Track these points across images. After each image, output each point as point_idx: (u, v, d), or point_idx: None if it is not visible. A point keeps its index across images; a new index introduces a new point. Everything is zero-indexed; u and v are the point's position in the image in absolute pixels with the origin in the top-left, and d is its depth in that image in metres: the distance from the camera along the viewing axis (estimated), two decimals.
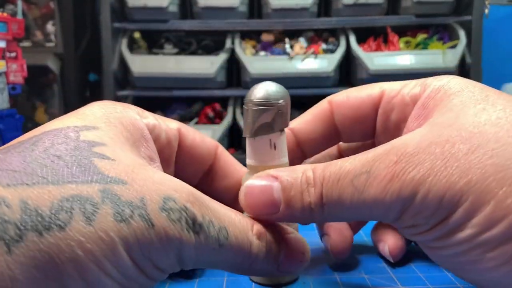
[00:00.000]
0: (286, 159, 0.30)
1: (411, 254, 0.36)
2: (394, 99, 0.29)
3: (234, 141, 0.82)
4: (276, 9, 0.80)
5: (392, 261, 0.32)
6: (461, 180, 0.21)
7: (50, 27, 0.87)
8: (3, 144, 0.51)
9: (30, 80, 0.62)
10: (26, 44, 0.86)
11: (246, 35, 0.86)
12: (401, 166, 0.22)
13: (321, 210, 0.25)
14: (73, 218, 0.18)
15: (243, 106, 0.29)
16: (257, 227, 0.25)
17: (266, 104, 0.29)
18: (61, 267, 0.18)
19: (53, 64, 0.86)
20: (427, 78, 0.27)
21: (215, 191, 0.32)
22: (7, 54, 0.55)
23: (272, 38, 0.84)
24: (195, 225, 0.22)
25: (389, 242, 0.32)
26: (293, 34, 0.85)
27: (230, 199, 0.29)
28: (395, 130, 0.28)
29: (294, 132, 0.31)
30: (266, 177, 0.26)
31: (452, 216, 0.21)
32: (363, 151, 0.32)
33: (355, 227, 0.34)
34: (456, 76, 0.25)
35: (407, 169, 0.22)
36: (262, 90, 0.29)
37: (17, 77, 0.56)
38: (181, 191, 0.22)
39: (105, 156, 0.21)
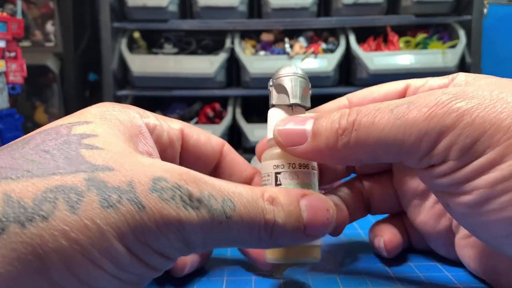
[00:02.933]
0: None
1: (411, 253, 0.36)
2: (421, 88, 0.28)
3: (234, 141, 0.82)
4: (276, 8, 0.80)
5: (386, 256, 0.32)
6: (509, 118, 0.20)
7: (49, 27, 0.87)
8: (3, 143, 0.51)
9: (29, 80, 0.62)
10: (25, 44, 0.86)
11: (246, 34, 0.86)
12: (448, 97, 0.22)
13: (348, 137, 0.23)
14: (57, 207, 0.18)
15: (279, 79, 0.29)
16: (269, 193, 0.23)
17: (307, 78, 0.30)
18: (45, 259, 0.17)
19: (52, 64, 0.85)
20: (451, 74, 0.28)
21: None
22: (7, 54, 0.55)
23: (272, 38, 0.84)
24: (192, 201, 0.20)
25: (385, 237, 0.32)
26: (293, 34, 0.85)
27: None
28: None
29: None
30: (304, 117, 0.26)
31: (487, 152, 0.21)
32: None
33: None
34: None
35: (454, 100, 0.21)
36: (299, 68, 0.30)
37: (17, 77, 0.56)
38: (172, 171, 0.21)
39: (93, 146, 0.21)
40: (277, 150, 0.28)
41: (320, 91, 0.79)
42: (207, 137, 0.31)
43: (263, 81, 0.74)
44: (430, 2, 0.79)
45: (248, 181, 0.32)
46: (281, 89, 0.29)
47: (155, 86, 0.81)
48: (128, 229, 0.19)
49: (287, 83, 0.29)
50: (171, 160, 0.29)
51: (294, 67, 0.29)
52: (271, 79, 0.30)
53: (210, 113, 0.81)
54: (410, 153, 0.23)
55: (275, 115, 0.29)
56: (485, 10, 0.78)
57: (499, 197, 0.20)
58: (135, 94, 0.82)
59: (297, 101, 0.28)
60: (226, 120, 0.79)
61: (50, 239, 0.17)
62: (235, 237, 0.22)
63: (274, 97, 0.29)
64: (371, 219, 0.46)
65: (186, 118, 0.82)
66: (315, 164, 0.28)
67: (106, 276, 0.18)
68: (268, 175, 0.27)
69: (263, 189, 0.23)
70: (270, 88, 0.30)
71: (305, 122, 0.26)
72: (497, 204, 0.20)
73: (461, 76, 0.27)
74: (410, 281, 0.30)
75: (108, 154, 0.21)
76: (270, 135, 0.29)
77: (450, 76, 0.28)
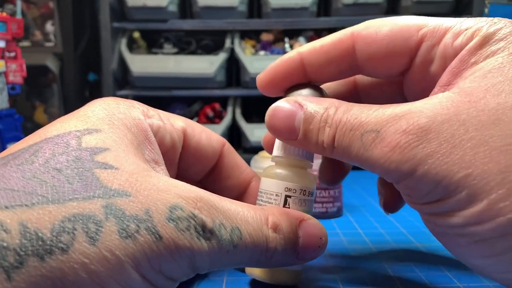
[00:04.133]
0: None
1: (411, 253, 0.36)
2: (434, 48, 0.25)
3: (233, 141, 0.82)
4: (276, 8, 0.80)
5: (386, 213, 0.33)
6: (462, 171, 0.20)
7: (49, 27, 0.87)
8: (2, 144, 0.51)
9: (29, 80, 0.62)
10: (25, 44, 0.86)
11: (245, 34, 0.86)
12: (408, 138, 0.21)
13: (331, 151, 0.25)
14: (76, 239, 0.17)
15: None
16: (272, 218, 0.24)
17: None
18: None
19: (52, 64, 0.85)
20: (481, 19, 0.23)
21: (218, 189, 0.32)
22: (7, 54, 0.55)
23: (272, 38, 0.84)
24: (205, 232, 0.21)
25: (385, 196, 0.33)
26: (293, 34, 0.85)
27: (233, 198, 0.29)
28: (429, 82, 0.25)
29: (302, 56, 0.28)
30: (294, 102, 0.25)
31: (444, 202, 0.21)
32: (386, 89, 0.31)
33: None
34: None
35: (412, 143, 0.21)
36: (307, 93, 0.29)
37: (17, 77, 0.55)
38: (187, 197, 0.21)
39: (107, 165, 0.20)
40: (289, 172, 0.27)
41: None
42: (208, 136, 0.31)
43: None
44: (430, 2, 0.79)
45: (246, 184, 0.32)
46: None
47: (155, 86, 0.81)
48: (145, 259, 0.19)
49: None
50: (171, 160, 0.29)
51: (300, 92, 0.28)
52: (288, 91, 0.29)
53: (210, 113, 0.81)
54: (381, 176, 0.24)
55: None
56: (486, 10, 0.78)
57: (462, 238, 0.21)
58: (135, 94, 0.82)
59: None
60: (226, 120, 0.79)
61: (70, 272, 0.17)
62: (238, 262, 0.23)
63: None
64: (370, 219, 0.46)
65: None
66: (315, 191, 0.28)
67: None
68: (277, 195, 0.27)
69: (267, 213, 0.24)
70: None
71: (294, 117, 0.25)
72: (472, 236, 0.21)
73: (486, 31, 0.22)
74: (411, 281, 0.30)
75: (123, 176, 0.20)
76: (275, 152, 0.28)
77: (474, 30, 0.23)
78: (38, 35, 0.87)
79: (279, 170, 0.28)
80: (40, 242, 0.17)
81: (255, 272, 0.28)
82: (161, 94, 0.81)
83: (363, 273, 0.32)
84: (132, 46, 0.84)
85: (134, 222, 0.19)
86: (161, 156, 0.26)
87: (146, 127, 0.25)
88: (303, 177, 0.27)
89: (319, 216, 0.46)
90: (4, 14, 0.53)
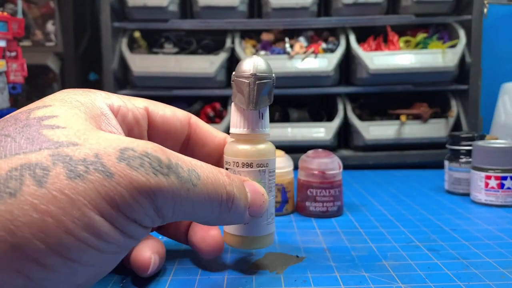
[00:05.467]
0: (269, 128, 0.32)
1: (411, 252, 0.36)
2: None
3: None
4: (276, 8, 0.80)
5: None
6: None
7: (50, 26, 0.87)
8: None
9: (30, 79, 0.62)
10: (26, 43, 0.86)
11: (246, 34, 0.86)
12: None
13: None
14: (24, 183, 0.18)
15: (237, 79, 0.30)
16: (226, 171, 0.26)
17: (268, 77, 0.31)
18: (18, 233, 0.17)
19: (53, 64, 0.86)
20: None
21: (199, 158, 0.33)
22: (8, 54, 0.55)
23: (272, 38, 0.84)
24: (162, 167, 0.21)
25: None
26: (293, 34, 0.85)
27: (212, 163, 0.30)
28: None
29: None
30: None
31: None
32: None
33: None
34: None
35: None
36: (261, 64, 0.31)
37: (18, 77, 0.56)
38: (138, 142, 0.21)
39: (55, 125, 0.21)
40: (228, 146, 0.31)
41: (320, 90, 0.79)
42: (172, 111, 0.32)
43: None
44: (430, 1, 0.80)
45: (222, 146, 0.34)
46: (240, 90, 0.30)
47: (155, 85, 0.81)
48: (100, 197, 0.19)
49: (245, 88, 0.30)
50: (140, 138, 0.29)
51: (254, 63, 0.30)
52: (234, 72, 0.31)
53: (210, 112, 0.82)
54: None
55: (234, 114, 0.31)
56: (485, 10, 0.79)
57: None
58: (136, 93, 0.82)
59: (252, 107, 0.30)
60: (227, 120, 0.79)
61: (20, 213, 0.17)
62: (201, 207, 0.23)
63: (234, 94, 0.31)
64: (371, 218, 0.46)
65: None
66: (265, 163, 0.31)
67: (82, 246, 0.18)
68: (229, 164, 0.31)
69: (219, 168, 0.26)
70: (232, 83, 0.31)
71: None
72: None
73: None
74: (411, 279, 0.30)
75: (70, 131, 0.21)
76: (231, 129, 0.32)
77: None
78: (39, 34, 0.87)
79: (232, 146, 0.31)
80: None
81: (233, 243, 0.32)
82: (161, 94, 0.81)
83: (364, 272, 0.32)
84: (132, 45, 0.85)
85: (82, 164, 0.19)
86: (121, 130, 0.27)
87: (101, 105, 0.26)
88: (237, 151, 0.31)
89: (320, 215, 0.46)
90: (5, 13, 0.53)
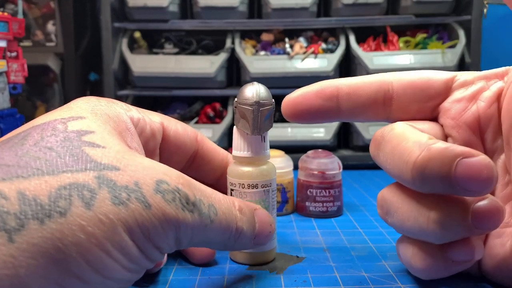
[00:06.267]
0: (269, 151, 0.34)
1: None
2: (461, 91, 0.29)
3: None
4: (276, 8, 0.80)
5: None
6: None
7: (50, 26, 0.87)
8: None
9: (30, 79, 0.62)
10: (26, 43, 0.86)
11: (246, 34, 0.86)
12: None
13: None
14: (73, 204, 0.19)
15: (240, 106, 0.32)
16: (238, 202, 0.27)
17: (269, 103, 0.33)
18: (65, 251, 0.18)
19: (53, 64, 0.86)
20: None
21: (200, 175, 0.35)
22: (8, 54, 0.55)
23: (272, 38, 0.84)
24: (189, 204, 0.23)
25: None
26: (293, 34, 0.85)
27: (215, 179, 0.34)
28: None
29: (339, 83, 0.31)
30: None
31: None
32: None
33: None
34: None
35: None
36: (263, 90, 0.33)
37: (18, 77, 0.56)
38: (171, 174, 0.23)
39: (95, 144, 0.22)
40: (232, 168, 0.33)
41: None
42: (183, 128, 0.33)
43: (263, 81, 0.73)
44: (429, 2, 0.80)
45: (225, 163, 0.36)
46: (243, 116, 0.32)
47: (155, 86, 0.81)
48: (136, 225, 0.20)
49: (249, 115, 0.32)
50: (152, 151, 0.31)
51: (256, 91, 0.32)
52: (236, 98, 0.33)
53: (210, 112, 0.82)
54: None
55: (237, 138, 0.33)
56: (485, 10, 0.79)
57: None
58: (136, 94, 0.82)
59: (256, 133, 0.32)
60: (227, 120, 0.79)
61: (69, 233, 0.18)
62: (212, 238, 0.25)
63: (237, 120, 0.33)
64: (370, 218, 0.46)
65: (186, 118, 0.82)
66: (268, 183, 0.33)
67: (116, 266, 0.20)
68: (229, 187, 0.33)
69: (233, 198, 0.28)
70: (234, 109, 0.33)
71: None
72: None
73: None
74: (411, 279, 0.30)
75: (111, 153, 0.22)
76: (234, 152, 0.33)
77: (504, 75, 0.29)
78: (39, 35, 0.87)
79: (235, 168, 0.33)
80: (39, 207, 0.18)
81: (237, 258, 0.34)
82: (161, 94, 0.81)
83: (363, 272, 0.32)
84: (133, 46, 0.85)
85: (125, 192, 0.20)
86: (141, 146, 0.28)
87: (126, 118, 0.27)
88: (242, 173, 0.33)
89: (319, 215, 0.46)
90: (6, 14, 0.53)
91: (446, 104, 0.29)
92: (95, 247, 0.19)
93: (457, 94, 0.29)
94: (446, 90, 0.29)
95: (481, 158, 0.23)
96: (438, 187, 0.24)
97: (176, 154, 0.33)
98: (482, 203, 0.24)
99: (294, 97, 0.31)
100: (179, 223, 0.22)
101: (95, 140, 0.22)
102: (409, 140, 0.25)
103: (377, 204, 0.30)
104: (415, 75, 0.30)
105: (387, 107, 0.30)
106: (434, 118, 0.30)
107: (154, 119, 0.31)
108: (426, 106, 0.30)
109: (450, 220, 0.24)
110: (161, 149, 0.32)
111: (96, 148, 0.22)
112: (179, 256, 0.35)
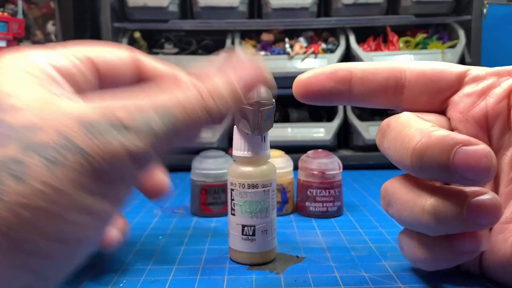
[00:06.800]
0: (269, 151, 0.34)
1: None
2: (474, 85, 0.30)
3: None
4: (276, 8, 0.80)
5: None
6: None
7: (50, 27, 0.87)
8: None
9: None
10: (26, 43, 0.86)
11: (246, 34, 0.86)
12: None
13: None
14: (5, 184, 0.17)
15: (242, 107, 0.31)
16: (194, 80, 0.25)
17: (270, 103, 0.33)
18: (13, 234, 0.17)
19: None
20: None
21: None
22: None
23: (272, 38, 0.84)
24: (127, 128, 0.20)
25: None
26: (293, 34, 0.85)
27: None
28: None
29: (353, 67, 0.30)
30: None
31: None
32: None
33: None
34: None
35: None
36: (263, 91, 0.33)
37: None
38: (93, 107, 0.21)
39: (13, 107, 0.20)
40: (232, 167, 0.34)
41: None
42: (117, 55, 0.29)
43: None
44: (429, 2, 0.80)
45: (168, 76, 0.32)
46: (244, 116, 0.32)
47: None
48: (80, 176, 0.19)
49: (250, 115, 0.32)
50: (90, 90, 0.28)
51: (256, 91, 0.31)
52: None
53: None
54: None
55: (237, 138, 0.33)
56: (485, 10, 0.79)
57: None
58: None
59: (257, 133, 0.32)
60: (227, 120, 0.79)
61: (10, 215, 0.17)
62: (185, 135, 0.23)
63: (237, 120, 0.33)
64: (370, 218, 0.46)
65: None
66: (268, 183, 0.33)
67: (80, 228, 0.19)
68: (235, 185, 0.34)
69: (189, 82, 0.25)
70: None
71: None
72: None
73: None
74: (411, 279, 0.30)
75: (29, 112, 0.20)
76: (235, 152, 0.34)
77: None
78: (39, 35, 0.87)
79: (235, 168, 0.34)
80: None
81: (239, 259, 0.34)
82: None
83: (363, 272, 0.32)
84: (133, 46, 0.85)
85: (53, 150, 0.19)
86: (71, 90, 0.25)
87: (47, 68, 0.24)
88: (242, 173, 0.33)
89: (319, 215, 0.46)
90: (6, 14, 0.53)
91: (456, 97, 0.29)
92: (47, 219, 0.17)
93: (468, 89, 0.29)
94: (458, 83, 0.30)
95: (480, 147, 0.23)
96: (437, 174, 0.24)
97: (118, 86, 0.29)
98: (479, 197, 0.23)
99: (307, 77, 0.30)
100: (128, 151, 0.20)
101: (12, 101, 0.20)
102: (411, 127, 0.26)
103: (380, 196, 0.30)
104: (428, 65, 0.31)
105: (398, 95, 0.30)
106: (443, 111, 0.30)
107: (80, 55, 0.27)
108: (436, 97, 0.30)
109: (445, 212, 0.24)
110: (103, 85, 0.29)
111: (14, 111, 0.20)
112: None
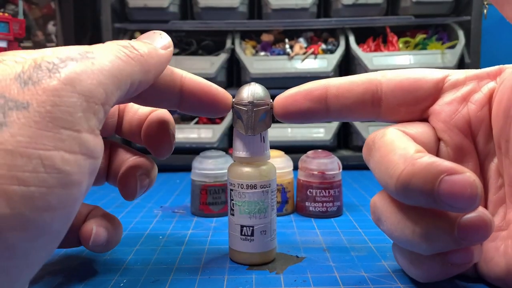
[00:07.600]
0: (269, 151, 0.34)
1: None
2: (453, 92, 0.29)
3: None
4: (276, 9, 0.80)
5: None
6: None
7: (51, 27, 0.87)
8: None
9: None
10: (27, 44, 0.86)
11: (246, 35, 0.86)
12: None
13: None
14: None
15: (236, 106, 0.32)
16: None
17: (264, 103, 0.33)
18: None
19: None
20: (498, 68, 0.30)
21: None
22: None
23: (272, 39, 0.84)
24: (55, 67, 0.20)
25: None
26: (293, 34, 0.85)
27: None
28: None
29: (328, 84, 0.30)
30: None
31: None
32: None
33: None
34: None
35: None
36: (258, 91, 0.33)
37: None
38: (19, 62, 0.20)
39: None
40: (231, 168, 0.34)
41: None
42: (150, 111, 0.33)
43: (263, 81, 0.73)
44: (429, 2, 0.80)
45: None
46: (239, 117, 0.33)
47: None
48: (32, 132, 0.18)
49: (243, 115, 0.32)
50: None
51: (251, 91, 0.32)
52: (233, 99, 0.33)
53: None
54: None
55: (237, 138, 0.34)
56: (485, 11, 0.79)
57: None
58: None
59: (250, 133, 0.32)
60: (227, 120, 0.79)
61: None
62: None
63: (234, 120, 0.33)
64: (370, 218, 0.46)
65: (186, 118, 0.82)
66: (267, 183, 0.33)
67: (45, 191, 0.18)
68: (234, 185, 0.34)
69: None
70: (232, 109, 0.33)
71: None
72: None
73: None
74: (411, 279, 0.30)
75: None
76: (234, 152, 0.34)
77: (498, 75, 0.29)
78: (40, 35, 0.87)
79: (236, 168, 0.34)
80: None
81: (239, 259, 0.34)
82: None
83: (363, 272, 0.32)
84: None
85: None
86: None
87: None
88: (241, 173, 0.33)
89: (319, 215, 0.46)
90: (6, 14, 0.53)
91: (437, 106, 0.29)
92: (7, 189, 0.17)
93: (448, 96, 0.29)
94: (436, 91, 0.29)
95: (465, 176, 0.22)
96: (423, 202, 0.23)
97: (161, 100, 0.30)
98: (468, 216, 0.23)
99: (284, 98, 0.31)
100: (69, 82, 0.19)
101: None
102: (396, 153, 0.25)
103: (370, 210, 0.30)
104: (404, 75, 0.30)
105: (376, 108, 0.30)
106: (425, 120, 0.30)
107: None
108: (415, 108, 0.29)
109: (436, 233, 0.24)
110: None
111: None
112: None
